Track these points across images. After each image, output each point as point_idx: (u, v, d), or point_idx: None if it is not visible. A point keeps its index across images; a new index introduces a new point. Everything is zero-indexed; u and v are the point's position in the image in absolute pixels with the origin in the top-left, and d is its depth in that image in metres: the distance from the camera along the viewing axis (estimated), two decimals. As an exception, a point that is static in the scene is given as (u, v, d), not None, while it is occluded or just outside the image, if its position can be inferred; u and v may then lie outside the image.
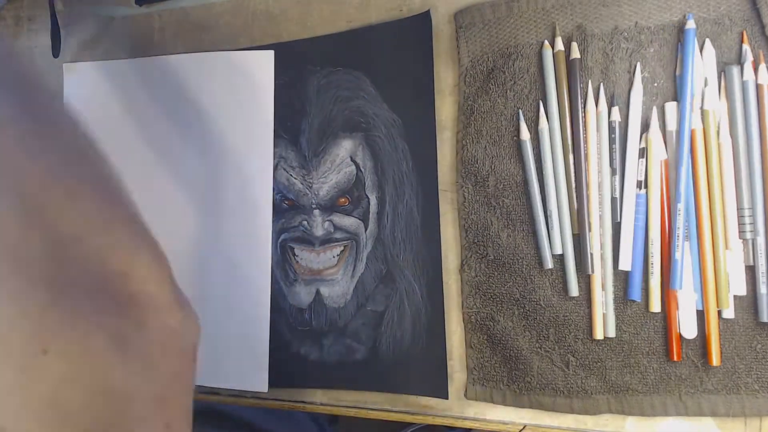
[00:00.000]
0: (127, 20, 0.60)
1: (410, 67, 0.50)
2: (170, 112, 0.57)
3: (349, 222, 0.52)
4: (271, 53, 0.54)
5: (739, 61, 0.42)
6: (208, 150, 0.55)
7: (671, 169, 0.44)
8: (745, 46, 0.42)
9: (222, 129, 0.55)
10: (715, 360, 0.42)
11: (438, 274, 0.49)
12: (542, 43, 0.46)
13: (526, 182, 0.47)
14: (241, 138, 0.54)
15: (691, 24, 0.42)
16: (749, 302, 0.42)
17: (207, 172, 0.56)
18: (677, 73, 0.44)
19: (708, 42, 0.43)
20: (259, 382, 0.53)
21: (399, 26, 0.51)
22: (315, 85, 0.53)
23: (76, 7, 0.62)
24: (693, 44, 0.42)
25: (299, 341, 0.53)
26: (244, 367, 0.54)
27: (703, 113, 0.43)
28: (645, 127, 0.44)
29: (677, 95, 0.44)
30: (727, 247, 0.42)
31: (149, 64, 0.58)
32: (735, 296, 0.43)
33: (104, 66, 0.60)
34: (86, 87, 0.60)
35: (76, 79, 0.61)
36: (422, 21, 0.50)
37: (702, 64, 0.43)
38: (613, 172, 0.45)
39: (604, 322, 0.45)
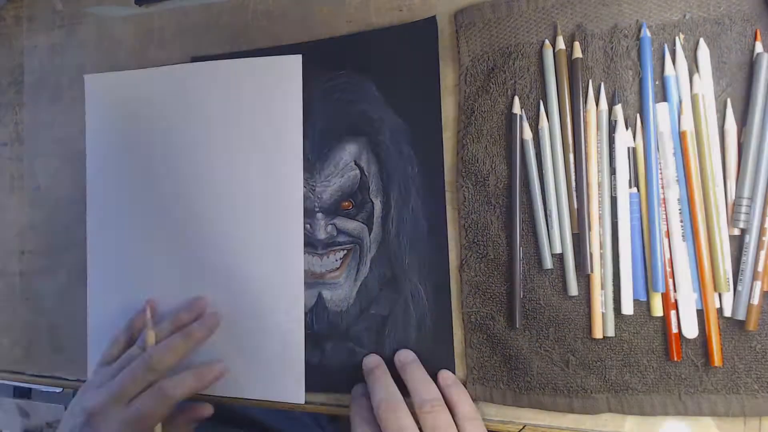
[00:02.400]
0: (127, 20, 0.61)
1: (415, 72, 0.50)
2: (198, 121, 0.56)
3: (352, 226, 0.52)
4: (298, 58, 0.53)
5: (751, 59, 0.42)
6: (237, 158, 0.55)
7: (665, 168, 0.44)
8: (758, 44, 0.42)
9: (251, 136, 0.54)
10: (717, 360, 0.42)
11: (445, 278, 0.49)
12: (542, 42, 0.46)
13: (526, 182, 0.47)
14: (270, 145, 0.54)
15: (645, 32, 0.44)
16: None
17: (236, 181, 0.55)
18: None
19: (702, 41, 0.43)
20: (296, 395, 0.53)
21: (404, 30, 0.50)
22: (319, 89, 0.53)
23: (76, 7, 0.63)
24: (649, 52, 0.44)
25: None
26: (282, 380, 0.53)
27: (693, 98, 0.43)
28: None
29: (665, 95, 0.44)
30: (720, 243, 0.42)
31: (173, 72, 0.57)
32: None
33: (127, 76, 0.59)
34: (109, 97, 0.60)
35: (98, 90, 0.60)
36: (428, 26, 0.50)
37: (686, 63, 0.43)
38: (613, 172, 0.45)
39: (604, 322, 0.45)
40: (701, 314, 0.43)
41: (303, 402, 0.53)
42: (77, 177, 0.61)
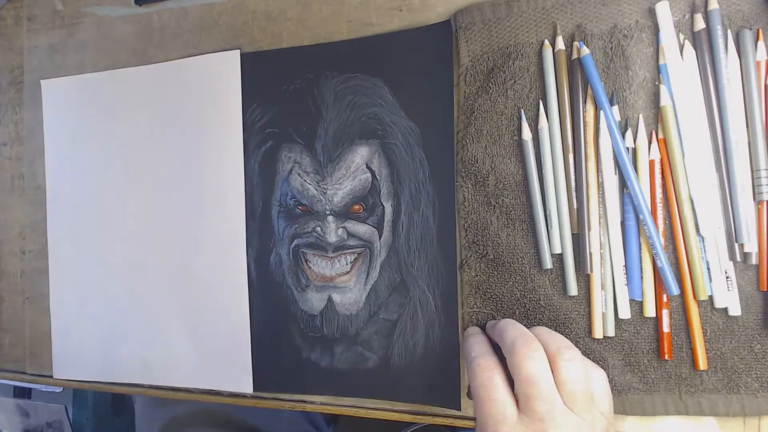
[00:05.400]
0: (127, 20, 0.61)
1: (429, 76, 0.50)
2: (144, 121, 0.58)
3: (363, 229, 0.51)
4: (236, 53, 0.55)
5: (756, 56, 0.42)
6: (183, 156, 0.56)
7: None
8: (760, 43, 0.42)
9: (195, 133, 0.56)
10: (702, 364, 0.43)
11: (453, 285, 0.49)
12: (542, 42, 0.46)
13: (526, 182, 0.47)
14: (211, 141, 0.55)
15: (585, 51, 0.44)
16: (749, 302, 0.42)
17: (183, 179, 0.57)
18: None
19: (687, 43, 0.43)
20: (244, 384, 0.55)
21: (419, 34, 0.50)
22: (332, 91, 0.52)
23: (76, 7, 0.63)
24: (593, 66, 0.44)
25: (310, 347, 0.53)
26: (230, 369, 0.55)
27: (661, 110, 0.43)
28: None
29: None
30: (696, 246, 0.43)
31: (123, 75, 0.59)
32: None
33: (82, 80, 0.61)
34: (64, 101, 0.62)
35: (53, 95, 0.62)
36: (443, 29, 0.49)
37: (684, 65, 0.43)
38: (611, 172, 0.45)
39: (604, 322, 0.45)
40: (708, 313, 0.43)
41: (251, 391, 0.54)
42: (46, 180, 0.63)
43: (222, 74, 0.55)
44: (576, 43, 0.45)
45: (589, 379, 0.40)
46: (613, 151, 0.44)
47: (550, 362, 0.39)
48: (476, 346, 0.43)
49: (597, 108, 0.45)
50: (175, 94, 0.57)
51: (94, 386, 0.61)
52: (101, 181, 0.60)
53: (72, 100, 0.61)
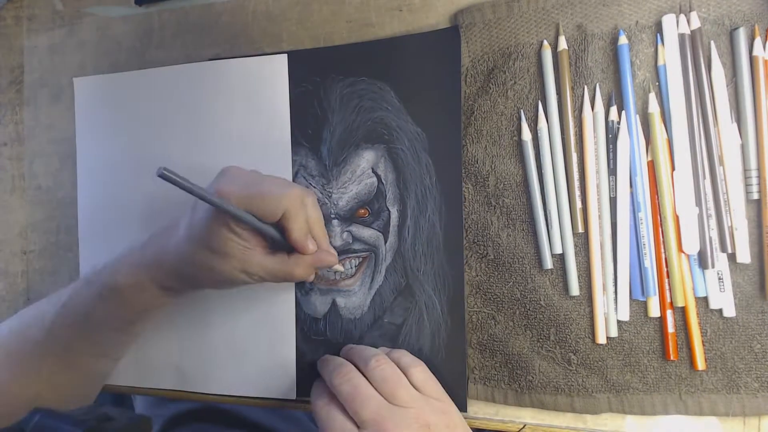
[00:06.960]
0: (127, 20, 0.60)
1: (437, 81, 0.49)
2: (184, 121, 0.56)
3: (368, 233, 0.51)
4: (284, 57, 0.53)
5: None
6: (226, 159, 0.54)
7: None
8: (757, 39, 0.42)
9: (239, 135, 0.55)
10: (701, 364, 0.43)
11: (460, 289, 0.49)
12: (542, 42, 0.46)
13: (526, 182, 0.47)
14: (258, 144, 0.54)
15: (623, 40, 0.44)
16: (748, 302, 0.43)
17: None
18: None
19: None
20: (288, 391, 0.53)
21: (426, 39, 0.50)
22: (338, 94, 0.52)
23: (76, 7, 0.63)
24: (627, 59, 0.44)
25: (313, 351, 0.53)
26: (274, 376, 0.54)
27: (649, 116, 0.44)
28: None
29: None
30: (680, 250, 0.43)
31: (162, 74, 0.58)
32: (735, 296, 0.43)
33: (117, 78, 0.59)
34: (97, 99, 0.60)
35: (86, 92, 0.61)
36: (451, 35, 0.49)
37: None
38: (611, 172, 0.45)
39: (606, 324, 0.45)
40: (708, 313, 0.43)
41: (294, 398, 0.53)
42: (77, 177, 0.61)
43: (269, 78, 0.53)
44: (575, 44, 0.45)
45: (401, 375, 0.45)
46: (613, 152, 0.44)
47: (364, 375, 0.45)
48: (315, 392, 0.48)
49: (594, 108, 0.45)
50: (217, 95, 0.55)
51: (113, 388, 0.60)
52: (135, 182, 0.58)
53: (105, 97, 0.59)
